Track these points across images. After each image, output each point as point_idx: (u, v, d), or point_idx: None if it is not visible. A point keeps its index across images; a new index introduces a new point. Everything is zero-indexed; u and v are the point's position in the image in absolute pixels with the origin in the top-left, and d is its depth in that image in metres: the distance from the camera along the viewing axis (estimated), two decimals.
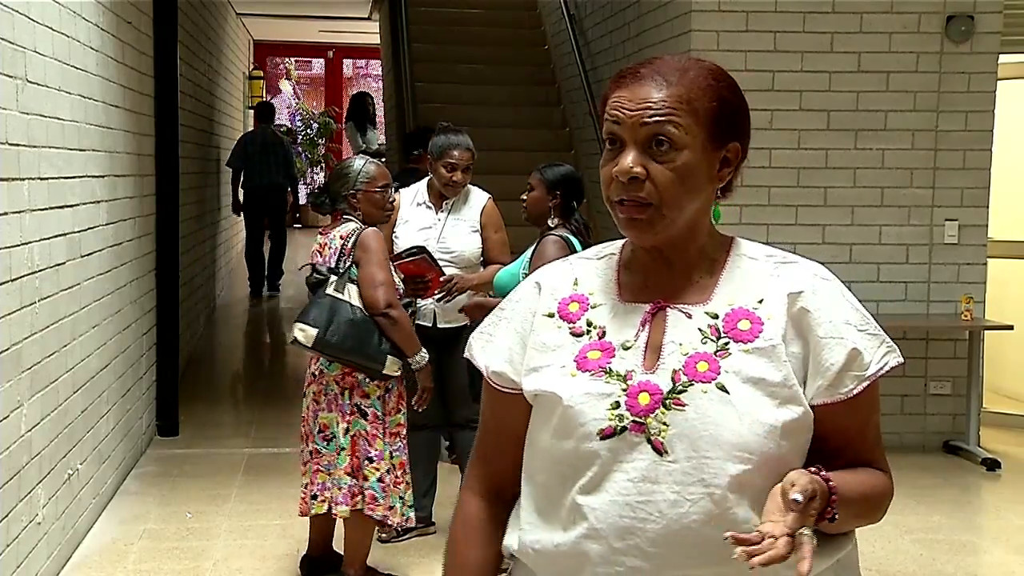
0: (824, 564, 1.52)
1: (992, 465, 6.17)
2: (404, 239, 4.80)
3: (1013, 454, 6.55)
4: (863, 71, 6.38)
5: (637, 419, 1.50)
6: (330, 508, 4.15)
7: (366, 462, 4.13)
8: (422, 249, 4.58)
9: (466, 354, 1.73)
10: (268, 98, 17.47)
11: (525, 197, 4.40)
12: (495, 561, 1.67)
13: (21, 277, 3.83)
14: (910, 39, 6.40)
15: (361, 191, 4.23)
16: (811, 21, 6.35)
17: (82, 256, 4.68)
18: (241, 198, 11.86)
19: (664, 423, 1.49)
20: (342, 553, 4.33)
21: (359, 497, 4.13)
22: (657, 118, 1.51)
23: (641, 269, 1.63)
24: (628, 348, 1.56)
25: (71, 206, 4.51)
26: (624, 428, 1.50)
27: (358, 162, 4.32)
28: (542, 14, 10.68)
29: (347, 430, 4.11)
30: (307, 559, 4.43)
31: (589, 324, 1.60)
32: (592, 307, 1.61)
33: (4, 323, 3.65)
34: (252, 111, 16.21)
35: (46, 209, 4.15)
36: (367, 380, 4.14)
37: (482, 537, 1.67)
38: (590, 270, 1.66)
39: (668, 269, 1.60)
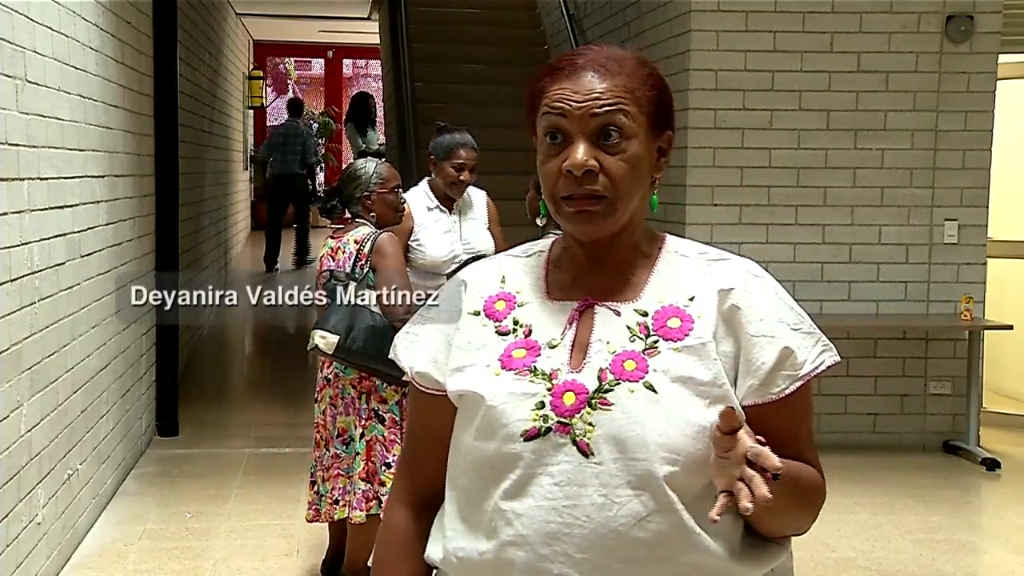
0: (759, 572, 1.50)
1: (992, 465, 6.16)
2: (430, 244, 4.78)
3: (1013, 454, 6.54)
4: (863, 71, 6.38)
5: (562, 419, 1.44)
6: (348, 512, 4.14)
7: (383, 468, 4.11)
8: (479, 258, 4.66)
9: (391, 355, 1.66)
10: (275, 98, 18.28)
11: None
12: (425, 574, 1.59)
13: (21, 277, 3.83)
14: (909, 39, 6.40)
15: (375, 192, 4.22)
16: (811, 21, 6.36)
17: (82, 256, 4.68)
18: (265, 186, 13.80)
19: (590, 423, 1.44)
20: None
21: (373, 502, 4.13)
22: (607, 108, 1.47)
23: (571, 266, 1.57)
24: (554, 347, 1.50)
25: (71, 206, 4.51)
26: (549, 429, 1.44)
27: (370, 164, 4.30)
28: (542, 14, 10.68)
29: (363, 434, 4.10)
30: (327, 563, 4.42)
31: (515, 323, 1.54)
32: (519, 305, 1.56)
33: (4, 323, 3.65)
34: (251, 111, 16.31)
35: (46, 209, 4.15)
36: (384, 385, 4.13)
37: (410, 549, 1.59)
38: (518, 268, 1.61)
39: (599, 266, 1.55)
